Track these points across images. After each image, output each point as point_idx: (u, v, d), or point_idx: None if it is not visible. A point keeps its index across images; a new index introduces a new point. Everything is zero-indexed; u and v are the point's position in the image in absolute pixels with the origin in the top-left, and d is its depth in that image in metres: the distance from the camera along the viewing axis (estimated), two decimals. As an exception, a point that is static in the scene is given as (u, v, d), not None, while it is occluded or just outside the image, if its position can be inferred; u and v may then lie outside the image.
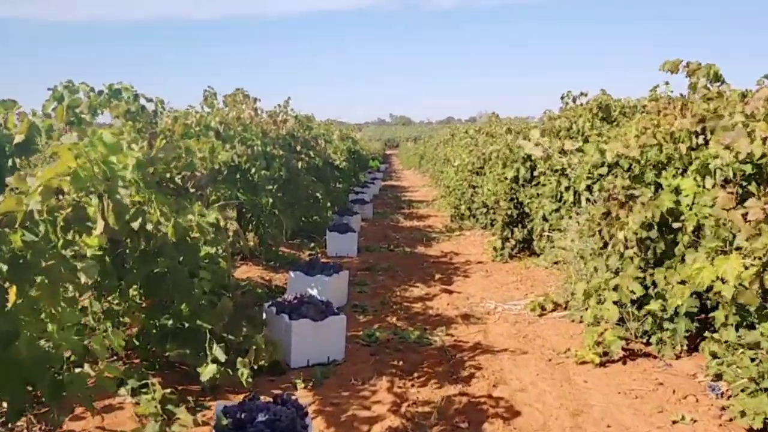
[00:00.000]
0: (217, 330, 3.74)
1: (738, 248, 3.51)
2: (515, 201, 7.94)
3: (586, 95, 7.40)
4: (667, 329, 4.47)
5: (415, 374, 4.23)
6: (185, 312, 3.71)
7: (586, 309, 4.97)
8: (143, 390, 3.56)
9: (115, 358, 4.10)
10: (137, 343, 3.98)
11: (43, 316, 3.02)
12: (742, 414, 3.30)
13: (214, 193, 5.32)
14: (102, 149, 2.42)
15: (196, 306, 3.70)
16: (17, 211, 2.11)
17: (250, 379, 3.76)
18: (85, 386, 2.46)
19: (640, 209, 4.22)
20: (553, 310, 5.77)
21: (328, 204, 10.43)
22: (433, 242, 9.88)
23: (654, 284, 4.37)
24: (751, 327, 3.85)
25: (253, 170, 6.56)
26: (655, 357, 4.47)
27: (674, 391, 3.90)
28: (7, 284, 2.13)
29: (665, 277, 4.18)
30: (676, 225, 4.14)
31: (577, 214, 6.42)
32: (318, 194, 9.28)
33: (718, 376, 3.92)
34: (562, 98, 7.76)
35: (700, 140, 4.10)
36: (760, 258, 3.27)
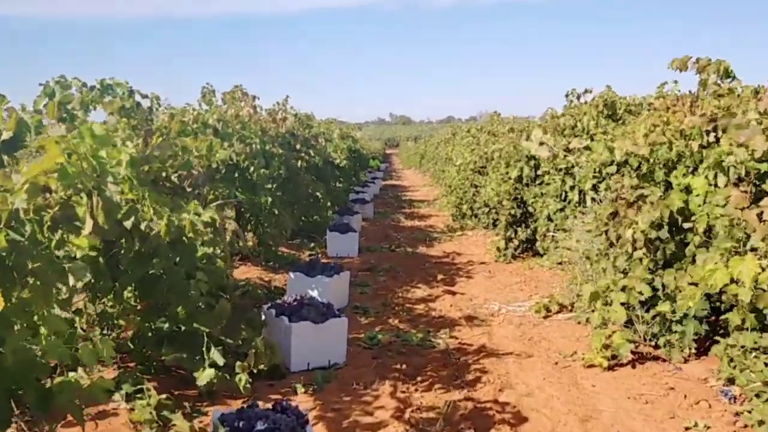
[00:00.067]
0: (215, 333, 3.62)
1: (753, 249, 3.40)
2: (519, 200, 7.82)
3: (590, 92, 7.28)
4: (676, 332, 4.36)
5: (419, 378, 4.12)
6: (182, 314, 3.59)
7: (593, 311, 4.85)
8: (138, 395, 3.45)
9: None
10: (132, 347, 3.87)
11: (35, 318, 2.93)
12: (760, 423, 3.18)
13: (212, 192, 5.20)
14: (91, 141, 2.30)
15: (193, 308, 3.58)
16: (1, 210, 2.00)
17: (248, 385, 3.65)
18: (75, 396, 2.33)
19: (649, 209, 4.10)
20: (558, 312, 5.66)
21: (329, 203, 10.32)
22: (434, 242, 9.77)
23: (663, 286, 4.26)
24: (764, 330, 3.74)
25: (252, 169, 6.44)
26: (665, 360, 4.35)
27: (686, 396, 3.78)
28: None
29: (675, 278, 4.06)
30: (686, 225, 4.03)
31: (582, 213, 6.31)
32: (318, 193, 9.17)
33: (731, 381, 3.82)
34: (566, 96, 7.64)
35: (711, 137, 3.99)
36: (777, 259, 3.16)
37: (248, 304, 4.27)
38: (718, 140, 3.94)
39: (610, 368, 4.26)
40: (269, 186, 6.89)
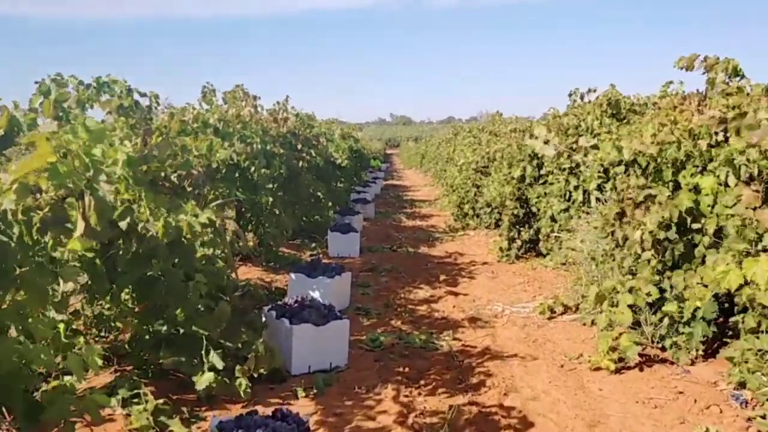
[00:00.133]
0: (214, 336, 3.54)
1: (765, 250, 3.32)
2: (522, 200, 7.73)
3: (594, 91, 7.18)
4: (683, 333, 4.28)
5: (422, 382, 4.04)
6: (180, 317, 3.52)
7: (599, 312, 4.78)
8: (135, 400, 3.37)
9: (104, 365, 3.91)
10: (129, 350, 3.79)
11: (29, 321, 2.85)
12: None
13: (213, 192, 5.12)
14: (84, 137, 2.21)
15: (192, 311, 3.50)
16: (-11, 211, 1.92)
17: (248, 389, 3.57)
18: (66, 409, 2.24)
19: (657, 209, 4.02)
20: (563, 313, 5.58)
21: (330, 203, 10.24)
22: (436, 242, 9.68)
23: (672, 287, 4.18)
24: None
25: (253, 169, 6.36)
26: (673, 363, 4.27)
27: (696, 401, 3.70)
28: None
29: (684, 280, 3.98)
30: (695, 225, 3.95)
31: (587, 213, 6.23)
32: (319, 193, 9.09)
33: (742, 384, 3.74)
34: (569, 95, 7.55)
35: (720, 137, 3.90)
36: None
37: (249, 306, 4.17)
38: (727, 139, 3.86)
39: (617, 371, 4.18)
40: (270, 186, 6.81)
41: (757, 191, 3.41)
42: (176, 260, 3.43)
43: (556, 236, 6.97)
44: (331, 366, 4.16)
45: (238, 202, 6.27)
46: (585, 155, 4.57)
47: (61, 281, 2.15)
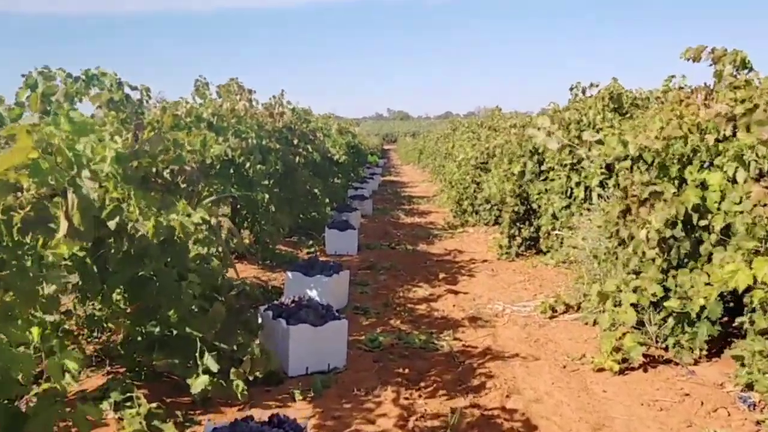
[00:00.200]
0: (209, 338, 3.43)
1: (776, 249, 3.23)
2: (522, 197, 7.63)
3: (596, 86, 7.07)
4: (687, 332, 4.18)
5: (422, 383, 3.94)
6: (173, 318, 3.41)
7: (602, 311, 4.68)
8: (127, 404, 3.26)
9: (96, 367, 3.81)
10: (122, 352, 3.68)
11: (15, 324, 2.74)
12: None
13: (207, 189, 5.01)
14: (67, 129, 2.10)
15: (186, 312, 3.40)
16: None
17: (245, 392, 3.47)
18: (53, 421, 2.12)
19: (663, 206, 3.92)
20: (564, 312, 5.48)
21: (327, 200, 10.12)
22: (435, 239, 9.58)
23: (677, 286, 4.08)
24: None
25: (248, 164, 6.24)
26: (677, 364, 4.18)
27: (702, 403, 3.61)
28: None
29: (691, 278, 3.88)
30: (702, 223, 3.85)
31: (589, 210, 6.13)
32: (316, 190, 8.97)
33: (749, 386, 3.64)
34: (571, 89, 7.44)
35: (728, 131, 3.80)
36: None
37: (244, 306, 4.07)
38: (735, 133, 3.76)
39: (621, 372, 4.09)
40: (266, 182, 6.70)
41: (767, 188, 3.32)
42: (169, 260, 3.33)
43: (557, 234, 6.87)
44: (329, 367, 4.06)
45: (233, 198, 6.16)
46: (589, 150, 4.46)
47: (44, 284, 2.04)
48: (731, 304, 4.26)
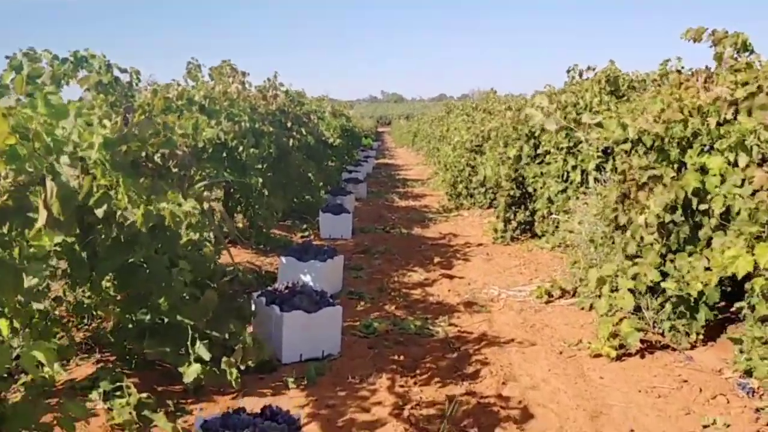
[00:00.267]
0: (200, 326, 3.37)
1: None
2: (518, 181, 7.56)
3: (593, 69, 6.98)
4: (684, 316, 4.15)
5: (418, 371, 3.89)
6: (164, 306, 3.33)
7: (598, 296, 4.64)
8: (117, 393, 3.20)
9: (86, 355, 3.74)
10: (112, 340, 3.62)
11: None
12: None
13: (199, 174, 4.92)
14: (44, 112, 2.00)
15: (176, 299, 3.33)
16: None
17: (238, 379, 3.41)
18: (33, 422, 2.04)
19: (662, 191, 3.86)
20: (560, 297, 5.45)
21: (321, 183, 10.03)
22: (430, 223, 9.53)
23: (676, 270, 4.03)
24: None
25: (241, 148, 6.14)
26: (674, 349, 4.15)
27: (701, 390, 3.57)
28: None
29: (690, 262, 3.83)
30: (702, 207, 3.79)
31: (585, 194, 6.08)
32: (310, 173, 8.88)
33: (748, 373, 3.61)
34: (568, 71, 7.35)
35: (729, 114, 3.73)
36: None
37: (237, 292, 4.01)
38: (736, 116, 3.70)
39: (618, 358, 4.05)
40: (259, 166, 6.60)
41: (769, 173, 3.26)
42: (159, 246, 3.25)
43: (553, 218, 6.82)
44: (323, 354, 4.01)
45: (227, 183, 6.07)
46: (588, 132, 4.39)
47: (24, 276, 1.96)
48: (729, 289, 4.23)
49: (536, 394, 3.61)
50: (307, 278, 5.07)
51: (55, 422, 2.21)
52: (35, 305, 3.07)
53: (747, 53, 4.12)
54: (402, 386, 3.65)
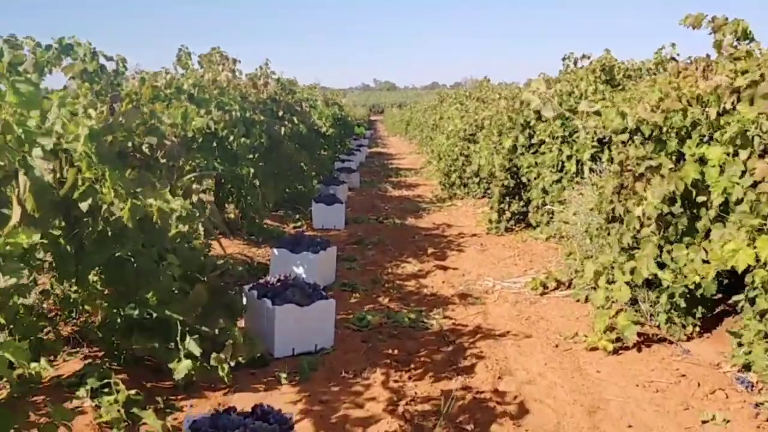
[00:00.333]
0: (190, 321, 3.29)
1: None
2: (512, 171, 7.48)
3: (588, 57, 6.90)
4: (681, 309, 4.10)
5: (412, 365, 3.83)
6: (152, 301, 3.26)
7: (594, 288, 4.59)
8: (105, 390, 3.12)
9: (74, 350, 3.66)
10: (100, 335, 3.53)
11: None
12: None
13: (189, 164, 4.82)
14: (14, 101, 1.90)
15: (165, 294, 3.25)
16: None
17: (230, 374, 3.34)
18: (11, 426, 1.96)
19: (660, 182, 3.80)
20: (555, 289, 5.39)
21: (313, 173, 9.93)
22: (423, 213, 9.46)
23: (673, 261, 3.97)
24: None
25: (232, 138, 6.03)
26: (672, 343, 4.10)
27: (699, 384, 3.53)
28: None
29: (688, 255, 3.77)
30: (701, 198, 3.73)
31: (580, 185, 6.01)
32: (302, 163, 8.77)
33: (746, 367, 3.57)
34: (563, 59, 7.27)
35: (729, 104, 3.66)
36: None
37: (228, 285, 3.93)
38: (735, 106, 3.63)
39: (615, 352, 4.00)
40: (250, 156, 6.50)
41: (771, 164, 3.19)
42: (148, 239, 3.17)
43: (548, 208, 6.75)
44: (316, 348, 3.94)
45: (217, 173, 5.97)
46: (585, 121, 4.31)
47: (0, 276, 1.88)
48: (725, 282, 4.19)
49: (532, 388, 3.56)
50: (299, 270, 4.99)
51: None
52: (21, 300, 2.98)
53: (747, 41, 4.04)
54: (396, 381, 3.59)
